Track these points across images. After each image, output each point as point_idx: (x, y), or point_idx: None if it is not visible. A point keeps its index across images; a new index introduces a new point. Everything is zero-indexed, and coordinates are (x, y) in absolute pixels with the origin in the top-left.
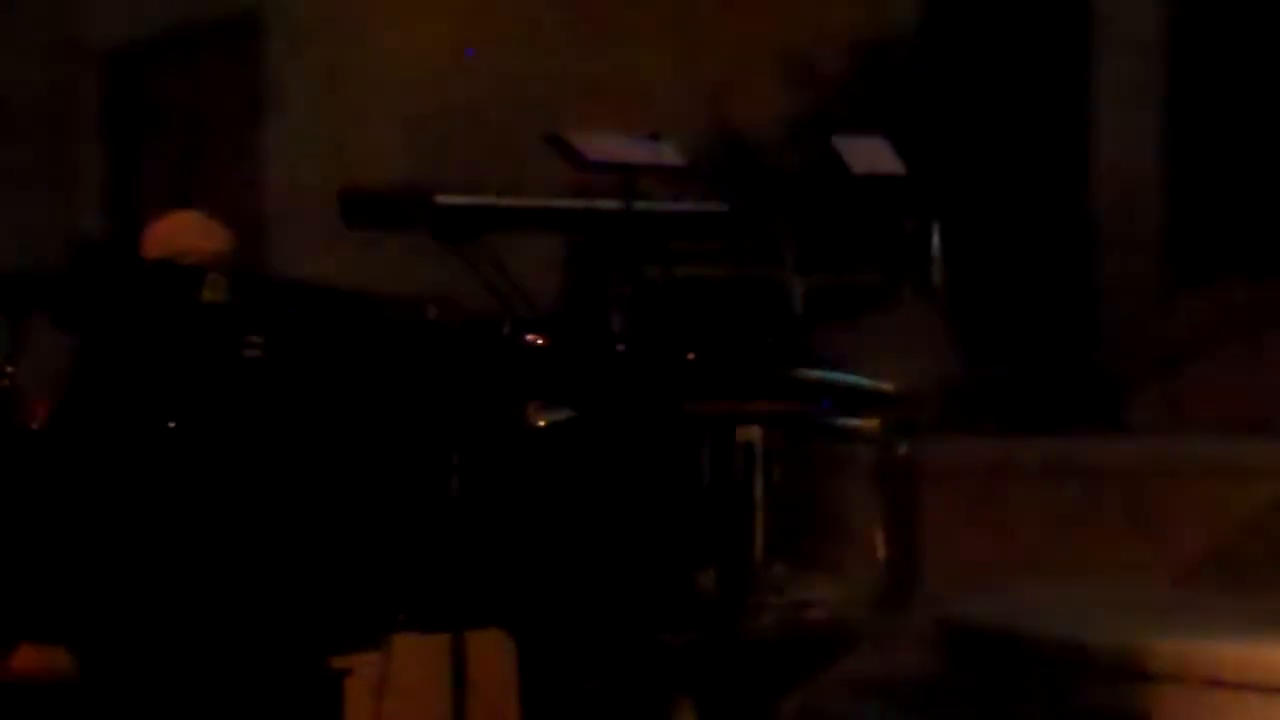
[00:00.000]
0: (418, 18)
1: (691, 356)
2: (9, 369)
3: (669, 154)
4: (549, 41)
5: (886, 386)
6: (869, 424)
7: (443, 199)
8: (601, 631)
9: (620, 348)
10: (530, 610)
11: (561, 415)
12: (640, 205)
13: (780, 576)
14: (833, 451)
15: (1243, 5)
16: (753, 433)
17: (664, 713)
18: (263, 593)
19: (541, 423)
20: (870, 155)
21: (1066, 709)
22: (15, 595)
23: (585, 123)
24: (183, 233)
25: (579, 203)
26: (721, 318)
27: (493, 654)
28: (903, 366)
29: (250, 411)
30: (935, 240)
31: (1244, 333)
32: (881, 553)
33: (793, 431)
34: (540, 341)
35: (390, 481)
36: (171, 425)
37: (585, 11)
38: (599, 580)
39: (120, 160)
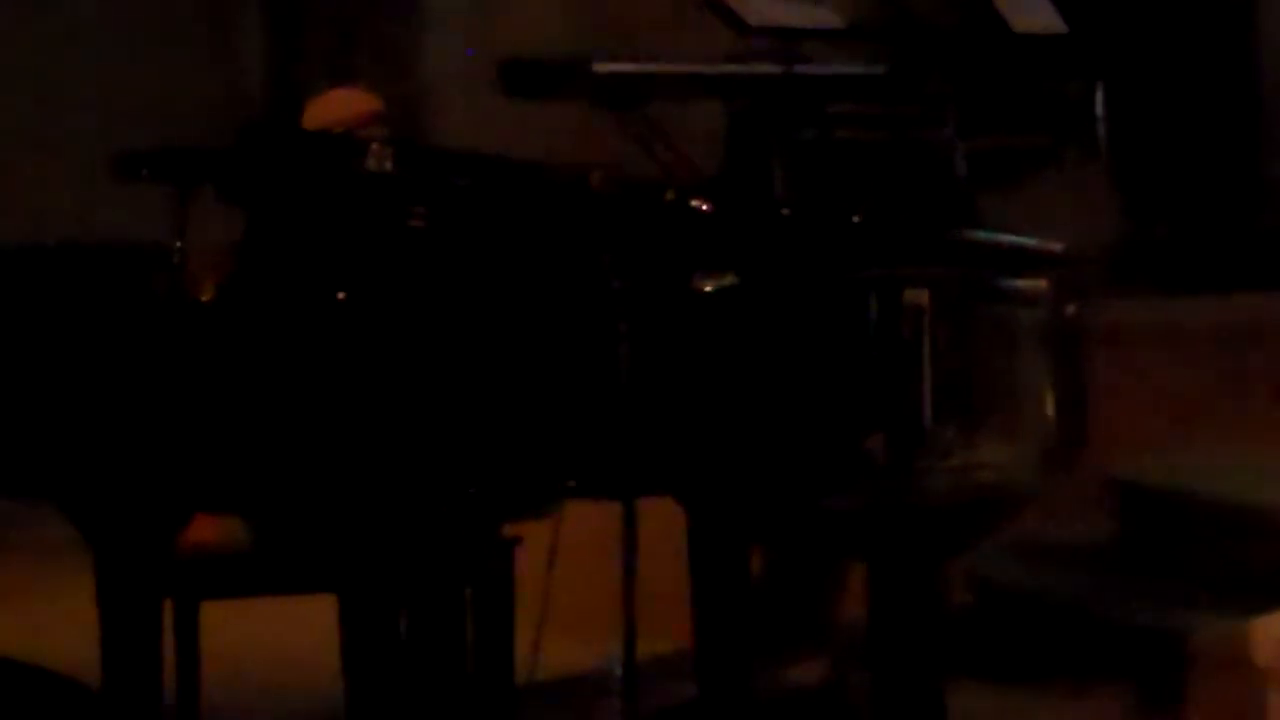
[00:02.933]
0: None
1: (857, 220)
2: (177, 243)
3: (827, 16)
4: None
5: (1054, 247)
6: (1036, 285)
7: (602, 66)
8: (770, 497)
9: (785, 212)
10: (700, 477)
11: (727, 281)
12: (800, 68)
13: (949, 440)
14: (1000, 313)
15: None
16: (920, 296)
17: (833, 578)
18: (433, 462)
19: (708, 288)
20: (1032, 13)
21: (1240, 572)
22: (189, 466)
23: None
24: (331, 107)
25: (739, 67)
26: (885, 181)
27: (663, 522)
28: (1067, 228)
29: (418, 282)
30: (1099, 99)
31: None
32: (1049, 415)
33: (960, 294)
34: (705, 207)
35: (558, 350)
36: (340, 296)
37: None
38: (768, 446)
39: (281, 32)
